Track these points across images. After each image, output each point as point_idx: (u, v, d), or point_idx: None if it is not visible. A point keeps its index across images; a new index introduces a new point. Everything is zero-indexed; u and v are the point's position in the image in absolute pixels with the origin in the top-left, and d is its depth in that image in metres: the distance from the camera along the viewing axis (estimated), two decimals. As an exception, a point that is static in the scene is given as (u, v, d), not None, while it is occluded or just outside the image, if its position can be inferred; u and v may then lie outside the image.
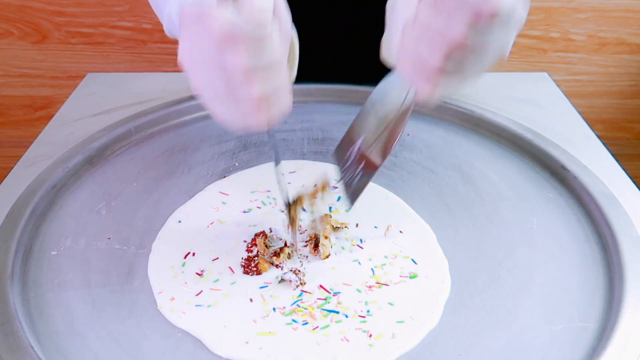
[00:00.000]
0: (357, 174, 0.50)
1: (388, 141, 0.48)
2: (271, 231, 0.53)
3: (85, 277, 0.48)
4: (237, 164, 0.63)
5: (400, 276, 0.48)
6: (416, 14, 0.38)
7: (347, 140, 0.52)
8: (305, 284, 0.47)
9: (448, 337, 0.44)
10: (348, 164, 0.51)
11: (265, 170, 0.62)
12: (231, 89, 0.37)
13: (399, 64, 0.41)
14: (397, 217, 0.55)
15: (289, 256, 0.50)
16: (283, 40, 0.38)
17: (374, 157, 0.49)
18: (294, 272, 0.48)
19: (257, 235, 0.51)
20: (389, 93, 0.48)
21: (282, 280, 0.47)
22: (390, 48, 0.46)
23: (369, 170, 0.49)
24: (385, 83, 0.49)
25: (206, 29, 0.34)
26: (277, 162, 0.49)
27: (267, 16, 0.34)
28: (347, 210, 0.51)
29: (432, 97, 0.40)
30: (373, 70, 0.54)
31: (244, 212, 0.56)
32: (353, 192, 0.50)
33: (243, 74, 0.35)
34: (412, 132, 0.68)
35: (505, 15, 0.36)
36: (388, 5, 0.47)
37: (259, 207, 0.56)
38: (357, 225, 0.54)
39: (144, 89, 0.77)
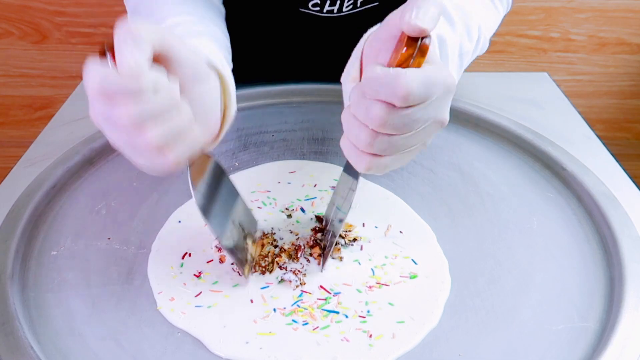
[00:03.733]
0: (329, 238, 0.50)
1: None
2: (273, 232, 0.52)
3: (85, 277, 0.48)
4: (237, 164, 0.63)
5: (401, 276, 0.48)
6: (350, 95, 0.39)
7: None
8: (305, 284, 0.47)
9: (448, 337, 0.44)
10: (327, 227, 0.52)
11: (265, 171, 0.62)
12: (127, 139, 0.38)
13: (341, 140, 0.42)
14: (397, 217, 0.55)
15: (292, 257, 0.50)
16: (176, 83, 0.38)
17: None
18: (294, 272, 0.48)
19: (257, 235, 0.51)
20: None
21: (282, 280, 0.47)
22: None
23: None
24: None
25: (88, 86, 0.36)
26: (216, 235, 0.45)
27: (139, 69, 0.35)
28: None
29: (369, 172, 0.40)
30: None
31: (244, 212, 0.56)
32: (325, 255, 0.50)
33: (130, 125, 0.36)
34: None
35: (420, 98, 0.35)
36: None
37: (260, 207, 0.56)
38: (363, 224, 0.54)
39: (144, 89, 0.77)
